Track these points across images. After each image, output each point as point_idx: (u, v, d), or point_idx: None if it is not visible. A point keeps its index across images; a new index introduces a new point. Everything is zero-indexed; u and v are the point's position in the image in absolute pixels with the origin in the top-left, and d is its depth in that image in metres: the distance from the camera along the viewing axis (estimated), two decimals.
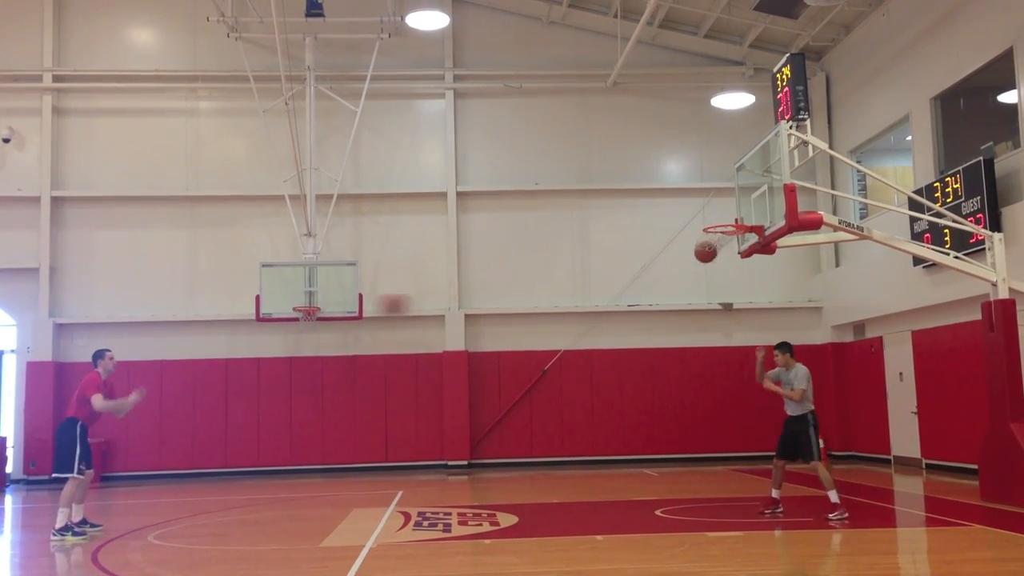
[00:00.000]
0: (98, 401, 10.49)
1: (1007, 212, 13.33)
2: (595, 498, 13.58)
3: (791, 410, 10.81)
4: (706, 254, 12.48)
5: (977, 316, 12.38)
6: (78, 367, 18.06)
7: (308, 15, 18.51)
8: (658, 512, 11.26)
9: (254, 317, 17.79)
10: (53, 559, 9.54)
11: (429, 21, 18.54)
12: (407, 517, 11.40)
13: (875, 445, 17.94)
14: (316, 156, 18.82)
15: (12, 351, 18.99)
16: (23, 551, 10.48)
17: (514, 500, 13.33)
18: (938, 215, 13.22)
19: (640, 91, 20.10)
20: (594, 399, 19.22)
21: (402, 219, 19.61)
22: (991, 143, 14.39)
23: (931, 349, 16.02)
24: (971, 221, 13.16)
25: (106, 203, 19.19)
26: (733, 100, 19.36)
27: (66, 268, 19.01)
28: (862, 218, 18.00)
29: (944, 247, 13.70)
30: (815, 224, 11.35)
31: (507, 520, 10.93)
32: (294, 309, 17.56)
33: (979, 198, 13.51)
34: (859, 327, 18.89)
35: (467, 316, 19.26)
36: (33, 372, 18.40)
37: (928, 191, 14.74)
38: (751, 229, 12.08)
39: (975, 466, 12.46)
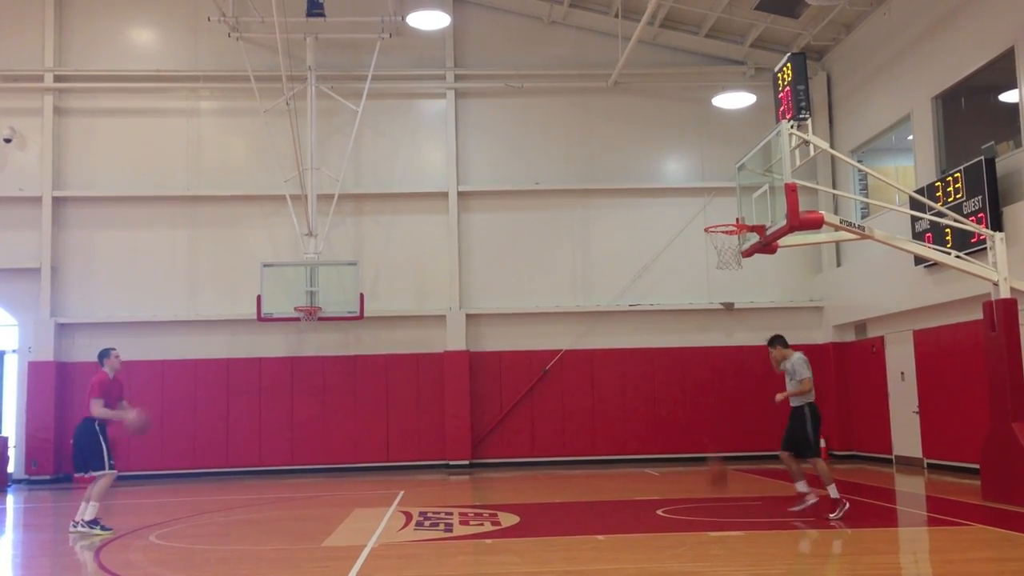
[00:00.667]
0: (96, 407, 10.58)
1: (1008, 211, 13.32)
2: (596, 498, 13.58)
3: (792, 402, 10.74)
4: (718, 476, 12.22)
5: (979, 315, 12.37)
6: (80, 367, 18.14)
7: (309, 15, 18.52)
8: (659, 512, 11.26)
9: (255, 317, 17.79)
10: (55, 559, 9.54)
11: (430, 21, 18.55)
12: (408, 517, 11.40)
13: (877, 445, 17.94)
14: (317, 156, 18.82)
15: (14, 351, 19.01)
16: (25, 551, 10.48)
17: (515, 500, 13.33)
18: (939, 214, 13.22)
19: (641, 91, 20.10)
20: (595, 399, 19.22)
21: (403, 219, 19.61)
22: (992, 142, 14.38)
23: (932, 349, 16.01)
24: (972, 220, 13.15)
25: (107, 203, 19.20)
26: (734, 100, 19.36)
27: (67, 268, 19.02)
28: (863, 218, 17.98)
29: (945, 247, 13.69)
30: (816, 224, 11.35)
31: (508, 520, 10.93)
32: (295, 309, 17.56)
33: (980, 197, 13.50)
34: (860, 327, 18.89)
35: (468, 316, 19.26)
36: (34, 372, 18.41)
37: (929, 190, 14.73)
38: (752, 229, 12.08)
39: (977, 466, 12.45)
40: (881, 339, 17.86)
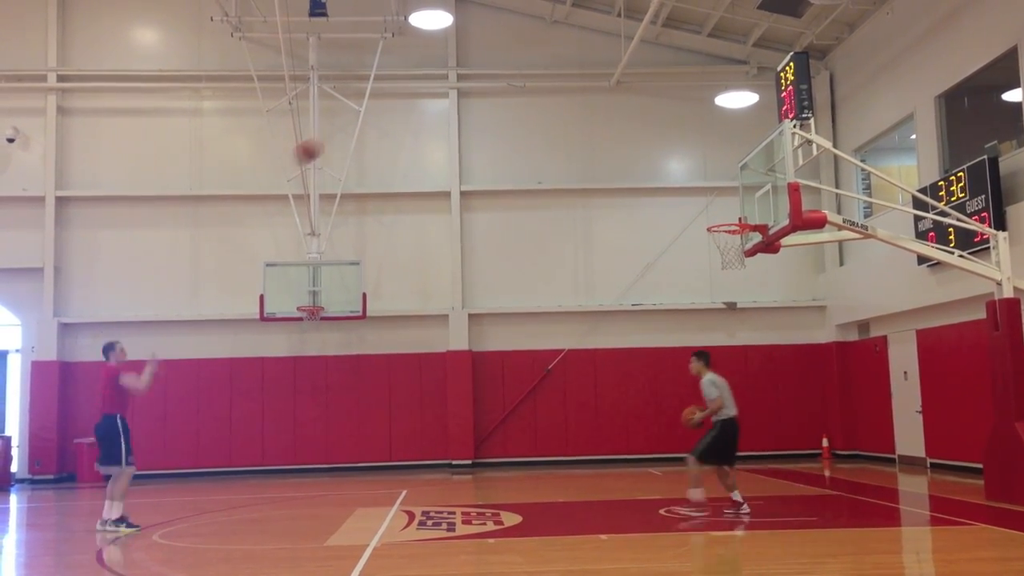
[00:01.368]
0: (131, 380, 10.64)
1: (1012, 211, 13.30)
2: (599, 497, 13.58)
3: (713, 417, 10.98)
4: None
5: (982, 315, 12.36)
6: (83, 366, 18.18)
7: (312, 15, 18.51)
8: (662, 511, 11.26)
9: (258, 317, 17.80)
10: (57, 558, 9.56)
11: (432, 20, 18.56)
12: (411, 516, 11.40)
13: (879, 444, 17.92)
14: (320, 156, 18.80)
15: (17, 351, 19.04)
16: (28, 550, 10.49)
17: (518, 499, 13.33)
18: (942, 214, 13.20)
19: (644, 90, 20.09)
20: (598, 398, 19.22)
21: (406, 218, 19.61)
22: (995, 142, 14.35)
23: (936, 348, 15.99)
24: (975, 220, 13.13)
25: (110, 203, 19.22)
26: (737, 99, 19.37)
27: (70, 268, 19.04)
28: (866, 217, 17.97)
29: (948, 246, 13.67)
30: (819, 223, 11.35)
31: (511, 519, 10.93)
32: (298, 309, 17.56)
33: (983, 197, 13.48)
34: (863, 326, 18.87)
35: (471, 315, 19.26)
36: (38, 372, 18.43)
37: (932, 190, 14.71)
38: (755, 228, 12.07)
39: (980, 465, 12.43)
40: (884, 338, 17.84)
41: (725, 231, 12.60)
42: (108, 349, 11.06)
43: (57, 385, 18.35)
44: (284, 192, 18.60)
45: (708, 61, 20.04)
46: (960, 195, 14.04)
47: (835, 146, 16.73)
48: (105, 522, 10.60)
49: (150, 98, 19.61)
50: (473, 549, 9.22)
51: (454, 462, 18.79)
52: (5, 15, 19.42)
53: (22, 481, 18.18)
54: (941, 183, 14.65)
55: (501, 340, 19.35)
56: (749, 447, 18.88)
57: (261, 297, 17.64)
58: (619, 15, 18.96)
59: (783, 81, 12.03)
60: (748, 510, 10.59)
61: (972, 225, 12.49)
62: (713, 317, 19.58)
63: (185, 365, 18.70)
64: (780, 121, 11.85)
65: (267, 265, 17.83)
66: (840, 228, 11.93)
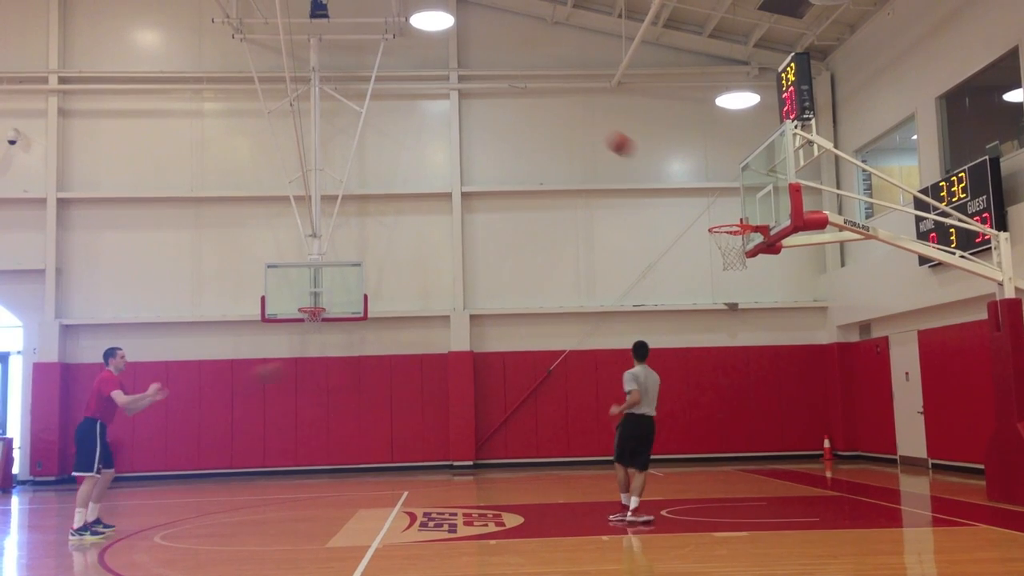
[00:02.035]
0: (120, 397, 10.55)
1: (1013, 211, 13.29)
2: (600, 498, 13.56)
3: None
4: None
5: (983, 315, 12.36)
6: (84, 368, 18.19)
7: (312, 16, 18.52)
8: (664, 512, 11.25)
9: (259, 318, 17.80)
10: (59, 560, 9.56)
11: (433, 22, 18.57)
12: (413, 517, 11.41)
13: (881, 445, 17.91)
14: (321, 157, 18.83)
15: (19, 352, 19.05)
16: (30, 551, 10.50)
17: (519, 500, 13.33)
18: (944, 214, 13.20)
19: (645, 91, 20.09)
20: (599, 399, 19.18)
21: (407, 220, 19.62)
22: (997, 142, 14.36)
23: (937, 349, 15.98)
24: (977, 220, 13.13)
25: (112, 204, 19.24)
26: (738, 100, 19.38)
27: (72, 269, 19.06)
28: (867, 218, 17.98)
29: (950, 246, 13.67)
30: (820, 224, 11.34)
31: (512, 520, 10.93)
32: (299, 310, 17.56)
33: (985, 197, 13.47)
34: (865, 327, 18.86)
35: (472, 316, 19.26)
36: (39, 373, 18.45)
37: (934, 190, 14.70)
38: (756, 229, 12.07)
39: (981, 466, 12.44)
40: (885, 339, 17.83)
41: (727, 232, 12.60)
42: (108, 355, 10.99)
43: (58, 387, 18.36)
44: (285, 193, 18.61)
45: (709, 62, 20.04)
46: (961, 196, 14.03)
47: (836, 147, 16.76)
48: (73, 532, 10.40)
49: (151, 100, 19.63)
50: (474, 550, 9.22)
51: (455, 463, 18.78)
52: (7, 17, 19.44)
53: (24, 483, 18.20)
54: (942, 183, 14.64)
55: (502, 341, 19.35)
56: (750, 448, 19.05)
57: (262, 298, 17.65)
58: (620, 16, 18.96)
59: (784, 82, 12.03)
60: (636, 519, 10.14)
61: (973, 226, 12.49)
62: (714, 318, 19.58)
63: (186, 366, 18.72)
64: (781, 122, 11.86)
65: (268, 266, 17.83)
66: (841, 229, 11.92)
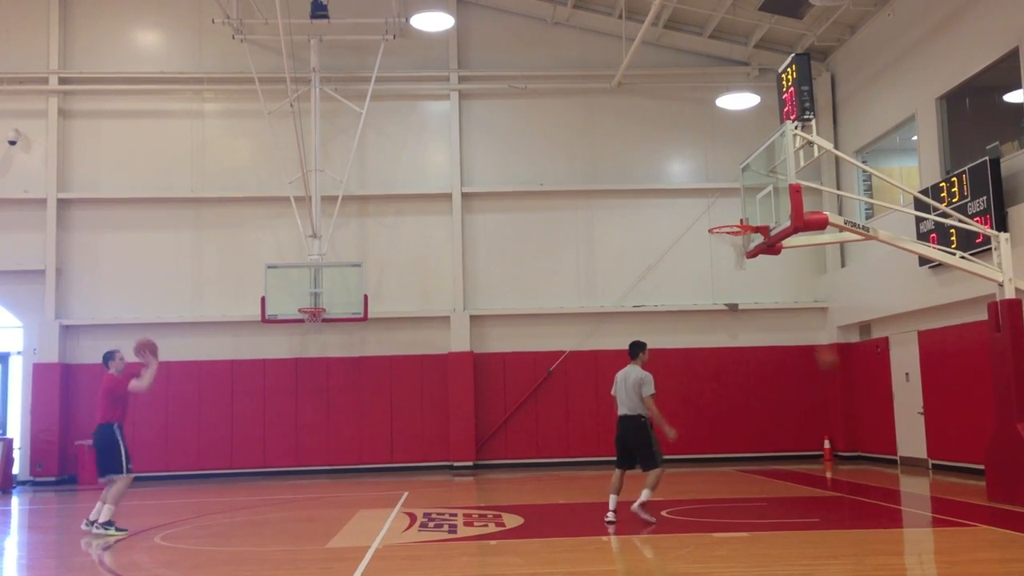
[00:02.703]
0: (136, 384, 10.73)
1: (1013, 212, 13.29)
2: (601, 499, 13.52)
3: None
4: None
5: (983, 316, 12.35)
6: (84, 369, 18.20)
7: (313, 17, 18.52)
8: (664, 513, 11.25)
9: (260, 318, 17.80)
10: (60, 560, 9.56)
11: (434, 22, 18.57)
12: (413, 518, 11.41)
13: (881, 445, 17.91)
14: (321, 157, 18.84)
15: (19, 353, 19.05)
16: (30, 552, 10.50)
17: (520, 501, 13.33)
18: (944, 215, 13.20)
19: (645, 92, 20.09)
20: (599, 400, 19.16)
21: (407, 220, 19.62)
22: (997, 143, 14.37)
23: (937, 349, 15.98)
24: (977, 221, 13.13)
25: (112, 205, 19.24)
26: (738, 100, 19.38)
27: (72, 270, 19.06)
28: (868, 218, 17.99)
29: (950, 247, 13.66)
30: (821, 224, 11.34)
31: (513, 521, 10.93)
32: (299, 310, 17.56)
33: (985, 198, 13.47)
34: (865, 327, 18.86)
35: (472, 317, 19.26)
36: (40, 374, 18.45)
37: (934, 191, 14.70)
38: (756, 230, 12.08)
39: (982, 466, 12.43)
40: (886, 340, 17.83)
41: (727, 232, 12.60)
42: (108, 358, 11.11)
43: (59, 387, 18.36)
44: (286, 194, 18.61)
45: (709, 63, 20.05)
46: (962, 196, 14.03)
47: (836, 147, 16.79)
48: (92, 523, 10.58)
49: (151, 100, 19.63)
50: (475, 551, 9.23)
51: (455, 464, 18.78)
52: (7, 18, 19.45)
53: (24, 483, 18.20)
54: (943, 184, 14.64)
55: (502, 342, 19.35)
56: (750, 448, 19.04)
57: (263, 299, 17.65)
58: (620, 17, 18.97)
59: (784, 82, 12.03)
60: (639, 512, 10.20)
61: (973, 226, 12.49)
62: (715, 318, 19.57)
63: (187, 367, 18.72)
64: (781, 122, 11.86)
65: (268, 267, 17.84)
66: (842, 229, 11.92)
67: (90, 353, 18.34)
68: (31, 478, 18.21)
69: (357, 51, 19.52)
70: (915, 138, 16.65)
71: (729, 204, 18.26)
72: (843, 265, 19.44)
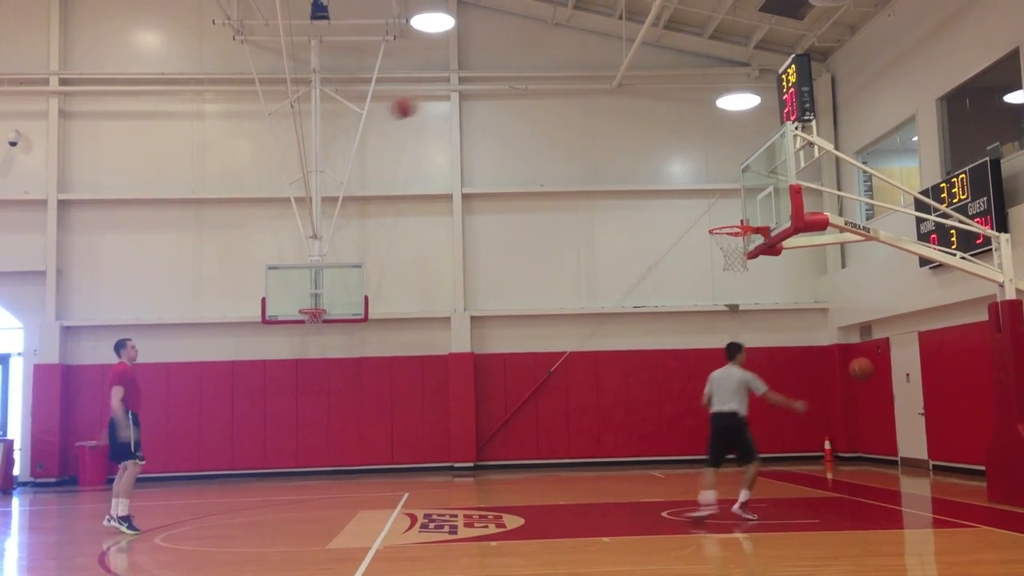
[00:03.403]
0: (116, 398, 10.80)
1: (1014, 212, 13.29)
2: (601, 500, 13.57)
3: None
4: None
5: (984, 317, 12.35)
6: (85, 370, 18.22)
7: (313, 18, 18.52)
8: (664, 514, 11.26)
9: (260, 319, 17.80)
10: (60, 561, 9.56)
11: (434, 23, 18.58)
12: (413, 519, 11.41)
13: (882, 446, 17.90)
14: (321, 158, 18.84)
15: (19, 354, 19.05)
16: (30, 553, 10.50)
17: (520, 502, 13.33)
18: (944, 216, 13.20)
19: (645, 92, 20.08)
20: (600, 401, 19.21)
21: (407, 221, 19.62)
22: (997, 143, 14.36)
23: (938, 350, 15.98)
24: (978, 222, 13.12)
25: (112, 206, 19.24)
26: (738, 101, 19.37)
27: (72, 271, 19.06)
28: (868, 219, 17.98)
29: (951, 248, 13.66)
30: (821, 225, 11.34)
31: (513, 522, 10.93)
32: (300, 311, 17.55)
33: (985, 198, 13.47)
34: (865, 328, 18.86)
35: (473, 318, 19.26)
36: (40, 375, 18.44)
37: (934, 192, 14.70)
38: (757, 230, 12.08)
39: (982, 467, 12.43)
40: (886, 340, 17.83)
41: (727, 233, 12.60)
42: (119, 346, 11.27)
43: (59, 388, 18.36)
44: (286, 195, 18.62)
45: (710, 63, 20.04)
46: (962, 197, 14.03)
47: (837, 148, 16.80)
48: (111, 518, 10.76)
49: (152, 101, 19.63)
50: (475, 552, 9.22)
51: (456, 464, 18.78)
52: (7, 19, 19.45)
53: (24, 484, 18.19)
54: (943, 185, 14.64)
55: (503, 342, 19.35)
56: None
57: (263, 300, 17.65)
58: (620, 17, 18.96)
59: (785, 83, 12.03)
60: (741, 512, 10.34)
61: (974, 227, 12.49)
62: (715, 319, 19.56)
63: (187, 368, 18.72)
64: (782, 123, 11.86)
65: (269, 268, 17.83)
66: (842, 230, 11.92)
67: (91, 354, 18.36)
68: (31, 479, 18.19)
69: (357, 52, 19.51)
70: (915, 139, 16.65)
71: (729, 205, 18.26)
72: (843, 266, 19.43)
